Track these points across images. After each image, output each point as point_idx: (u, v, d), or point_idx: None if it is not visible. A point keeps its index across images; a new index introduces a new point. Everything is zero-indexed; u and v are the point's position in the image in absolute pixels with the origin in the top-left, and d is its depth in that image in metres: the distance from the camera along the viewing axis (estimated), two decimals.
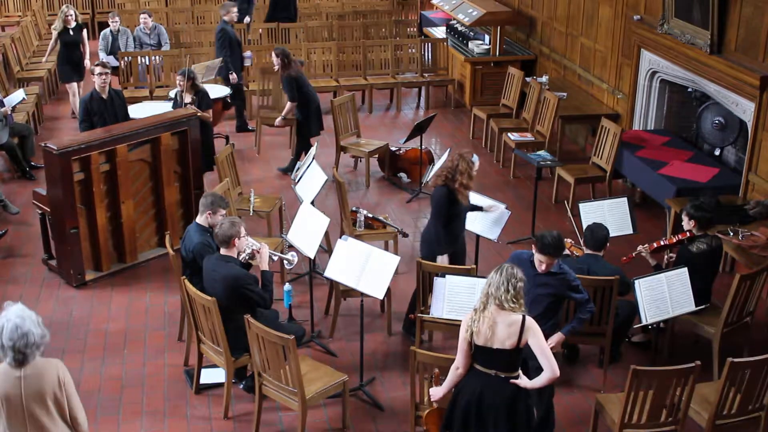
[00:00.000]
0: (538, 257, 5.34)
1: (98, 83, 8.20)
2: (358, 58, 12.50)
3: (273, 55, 9.58)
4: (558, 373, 4.61)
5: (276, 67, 9.61)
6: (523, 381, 4.67)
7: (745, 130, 8.25)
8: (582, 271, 5.98)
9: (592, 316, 5.77)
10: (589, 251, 6.19)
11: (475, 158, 6.55)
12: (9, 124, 9.42)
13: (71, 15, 11.19)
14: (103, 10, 15.64)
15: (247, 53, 11.75)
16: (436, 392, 4.89)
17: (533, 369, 5.34)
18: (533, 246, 5.40)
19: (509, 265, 4.58)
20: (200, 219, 6.22)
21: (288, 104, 9.63)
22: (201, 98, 8.81)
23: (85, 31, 11.44)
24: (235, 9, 11.31)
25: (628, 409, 4.98)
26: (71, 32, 11.16)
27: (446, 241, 6.61)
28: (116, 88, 8.48)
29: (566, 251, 6.30)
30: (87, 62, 11.36)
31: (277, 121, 9.88)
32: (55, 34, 11.38)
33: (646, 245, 6.54)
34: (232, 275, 5.65)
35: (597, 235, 6.13)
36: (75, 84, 11.30)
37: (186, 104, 8.62)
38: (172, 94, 9.60)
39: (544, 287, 5.27)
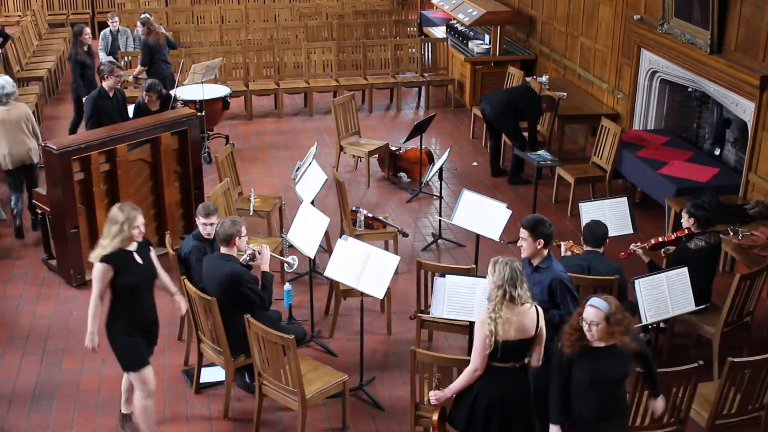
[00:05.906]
0: (519, 235, 5.30)
1: (112, 83, 8.24)
2: (358, 57, 12.51)
3: (138, 22, 10.89)
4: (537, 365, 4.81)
5: (141, 34, 10.74)
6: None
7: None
8: (582, 268, 5.96)
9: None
10: (588, 248, 6.18)
11: (594, 304, 4.55)
12: None
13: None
14: (103, 10, 15.65)
15: None
16: (442, 395, 4.85)
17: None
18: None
19: (510, 261, 4.61)
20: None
21: (139, 67, 10.73)
22: (166, 102, 9.02)
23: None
24: None
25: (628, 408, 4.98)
26: None
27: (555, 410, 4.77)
28: (117, 87, 8.50)
29: (567, 251, 6.29)
30: None
31: (130, 78, 10.85)
32: None
33: (645, 244, 6.53)
34: (231, 273, 5.62)
35: (596, 232, 6.12)
36: None
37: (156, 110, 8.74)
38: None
39: (537, 285, 5.24)
